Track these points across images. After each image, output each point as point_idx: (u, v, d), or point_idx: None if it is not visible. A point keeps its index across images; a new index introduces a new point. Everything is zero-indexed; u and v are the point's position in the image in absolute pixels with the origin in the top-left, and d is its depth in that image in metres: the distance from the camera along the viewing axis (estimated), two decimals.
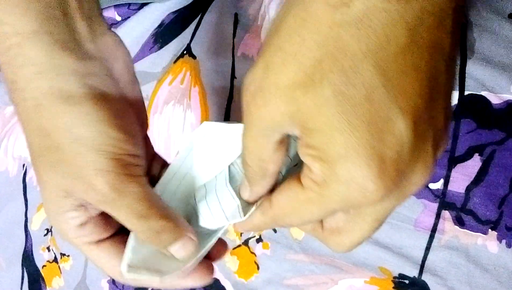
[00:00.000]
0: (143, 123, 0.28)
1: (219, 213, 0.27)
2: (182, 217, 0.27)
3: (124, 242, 0.26)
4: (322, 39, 0.18)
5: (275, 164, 0.23)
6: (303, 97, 0.18)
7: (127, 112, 0.25)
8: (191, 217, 0.29)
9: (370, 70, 0.18)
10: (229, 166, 0.28)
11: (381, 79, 0.18)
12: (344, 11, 0.17)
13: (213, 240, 0.28)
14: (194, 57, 0.49)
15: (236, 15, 0.47)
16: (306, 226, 0.26)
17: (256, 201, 0.26)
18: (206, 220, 0.28)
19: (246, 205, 0.27)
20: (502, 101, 0.37)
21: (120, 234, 0.28)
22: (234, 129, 0.27)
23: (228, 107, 0.46)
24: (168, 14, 0.52)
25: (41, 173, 0.24)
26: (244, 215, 0.26)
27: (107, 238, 0.27)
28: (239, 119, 0.47)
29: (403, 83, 0.18)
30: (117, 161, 0.23)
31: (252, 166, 0.23)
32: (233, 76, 0.46)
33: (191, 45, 0.49)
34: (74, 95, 0.22)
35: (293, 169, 0.26)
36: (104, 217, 0.26)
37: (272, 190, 0.25)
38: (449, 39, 0.19)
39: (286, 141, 0.22)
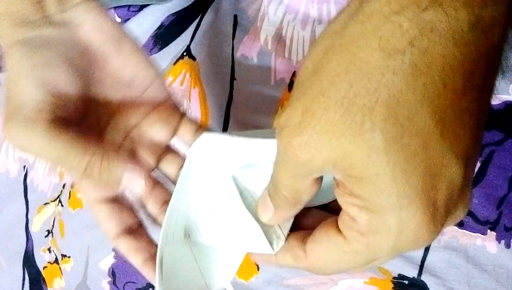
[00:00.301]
0: (149, 65, 0.31)
1: (230, 234, 0.27)
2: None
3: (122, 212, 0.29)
4: (374, 86, 0.17)
5: (310, 195, 0.22)
6: (351, 145, 0.18)
7: (59, 64, 0.26)
8: (191, 231, 0.29)
9: (426, 118, 0.17)
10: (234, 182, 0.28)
11: (437, 127, 0.17)
12: (398, 58, 0.17)
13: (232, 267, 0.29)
14: (194, 58, 0.49)
15: (235, 16, 0.47)
16: None
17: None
18: (210, 237, 0.28)
19: (264, 228, 0.26)
20: (500, 102, 0.37)
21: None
22: (236, 142, 0.26)
23: (228, 109, 0.46)
24: (168, 16, 0.52)
25: None
26: (269, 244, 0.25)
27: (110, 201, 0.30)
28: (238, 121, 0.46)
29: (458, 128, 0.18)
30: (24, 106, 0.25)
31: (285, 195, 0.22)
32: (232, 78, 0.46)
33: (191, 46, 0.49)
34: (6, 52, 0.25)
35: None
36: None
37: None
38: (495, 78, 0.19)
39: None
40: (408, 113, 0.17)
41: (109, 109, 0.30)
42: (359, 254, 0.20)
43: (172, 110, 0.32)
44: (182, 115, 0.33)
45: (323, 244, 0.22)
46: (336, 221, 0.22)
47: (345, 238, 0.21)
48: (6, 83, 0.26)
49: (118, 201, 0.30)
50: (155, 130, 0.31)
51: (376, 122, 0.17)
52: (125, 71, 0.30)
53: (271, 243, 0.26)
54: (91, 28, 0.28)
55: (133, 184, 0.27)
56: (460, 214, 0.20)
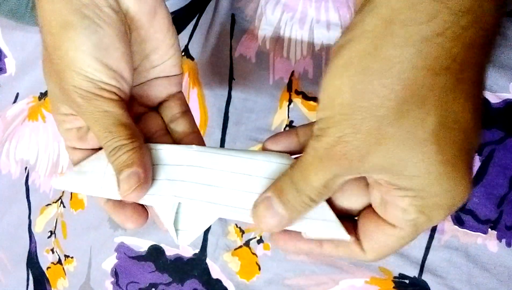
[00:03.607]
0: (171, 44, 0.31)
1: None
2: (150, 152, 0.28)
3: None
4: (423, 100, 0.19)
5: (330, 194, 0.24)
6: (405, 153, 0.20)
7: (118, 47, 0.27)
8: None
9: (467, 115, 0.20)
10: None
11: (473, 119, 0.20)
12: (443, 74, 0.19)
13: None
14: (192, 58, 0.49)
15: (233, 15, 0.47)
16: None
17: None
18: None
19: (181, 215, 0.27)
20: (500, 100, 0.37)
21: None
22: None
23: (227, 108, 0.46)
24: None
25: (45, 79, 0.29)
26: (175, 232, 0.27)
27: (81, 149, 0.31)
28: (237, 120, 0.46)
29: (479, 113, 0.20)
30: (90, 83, 0.27)
31: (311, 196, 0.23)
32: (231, 77, 0.46)
33: (189, 46, 0.49)
34: (69, 21, 0.26)
35: None
36: (84, 133, 0.31)
37: None
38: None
39: None
40: (455, 116, 0.20)
41: None
42: (413, 233, 0.23)
43: (170, 84, 0.33)
44: (179, 93, 0.34)
45: (380, 239, 0.24)
46: (378, 216, 0.24)
47: (399, 227, 0.23)
48: (56, 47, 0.26)
49: (86, 151, 0.31)
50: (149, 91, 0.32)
51: (428, 130, 0.20)
52: (149, 44, 0.30)
53: (176, 231, 0.27)
54: None
55: (120, 185, 0.27)
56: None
